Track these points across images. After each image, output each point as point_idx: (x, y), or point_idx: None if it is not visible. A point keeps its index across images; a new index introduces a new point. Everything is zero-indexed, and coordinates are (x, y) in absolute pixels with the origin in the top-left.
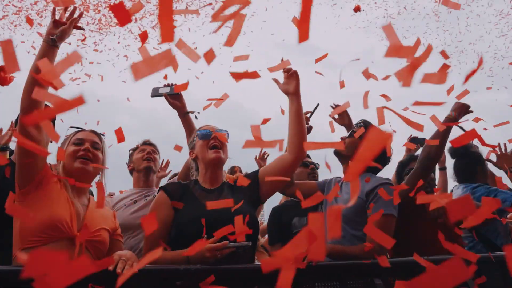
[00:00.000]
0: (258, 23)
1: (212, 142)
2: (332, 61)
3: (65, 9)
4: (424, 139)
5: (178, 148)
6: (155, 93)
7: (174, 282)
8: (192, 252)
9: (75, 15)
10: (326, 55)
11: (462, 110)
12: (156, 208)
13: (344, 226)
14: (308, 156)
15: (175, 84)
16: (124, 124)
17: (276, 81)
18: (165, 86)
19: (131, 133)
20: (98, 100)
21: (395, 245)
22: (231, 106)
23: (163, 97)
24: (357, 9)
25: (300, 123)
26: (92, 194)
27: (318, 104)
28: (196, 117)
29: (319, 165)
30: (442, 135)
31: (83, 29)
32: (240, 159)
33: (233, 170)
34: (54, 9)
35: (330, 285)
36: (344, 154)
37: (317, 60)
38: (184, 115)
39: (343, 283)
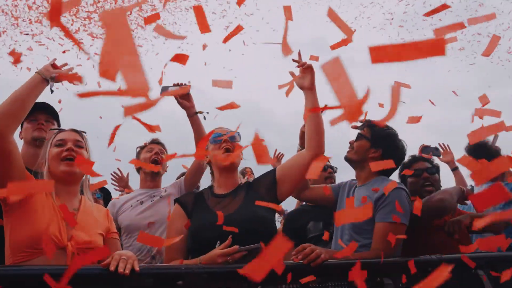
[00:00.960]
0: (264, 20)
1: (224, 145)
2: (347, 58)
3: (65, 64)
4: (436, 148)
5: None
6: (165, 91)
7: (175, 282)
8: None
9: (73, 72)
10: (346, 41)
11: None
12: (172, 220)
13: (354, 236)
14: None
15: (183, 84)
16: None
17: (292, 74)
18: (174, 85)
19: (151, 135)
20: (100, 117)
21: (405, 247)
22: (248, 106)
23: (172, 97)
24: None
25: (317, 117)
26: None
27: (326, 105)
28: (204, 118)
29: (337, 168)
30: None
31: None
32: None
33: (244, 171)
34: (54, 59)
35: (338, 285)
36: (354, 160)
37: (333, 47)
38: (192, 115)
39: (350, 283)
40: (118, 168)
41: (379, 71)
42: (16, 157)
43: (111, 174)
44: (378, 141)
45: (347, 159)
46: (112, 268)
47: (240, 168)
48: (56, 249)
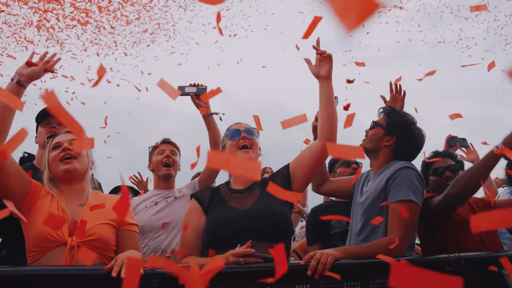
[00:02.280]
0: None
1: (241, 142)
2: (367, 55)
3: (44, 55)
4: (463, 139)
5: None
6: (181, 91)
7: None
8: None
9: (54, 59)
10: (317, 21)
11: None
12: (188, 215)
13: (369, 222)
14: None
15: (199, 84)
16: (169, 129)
17: (308, 61)
18: (191, 85)
19: (176, 138)
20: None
21: (427, 244)
22: (272, 106)
23: (189, 97)
24: (348, 81)
25: (331, 107)
26: (98, 188)
27: (336, 97)
28: (221, 119)
29: (362, 164)
30: (486, 170)
31: (56, 72)
32: (279, 159)
33: (264, 172)
34: (32, 54)
35: (350, 285)
36: (369, 148)
37: (305, 35)
38: (208, 116)
39: (364, 283)
40: (138, 172)
41: (402, 67)
42: (9, 168)
43: (131, 177)
44: (392, 129)
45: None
46: (114, 274)
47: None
48: (57, 244)
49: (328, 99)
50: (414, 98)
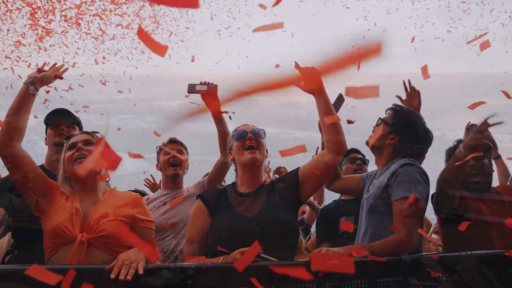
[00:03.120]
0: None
1: (247, 142)
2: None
3: (54, 64)
4: None
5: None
6: (192, 89)
7: (185, 281)
8: None
9: (62, 68)
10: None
11: (471, 149)
12: (193, 216)
13: (372, 220)
14: (358, 152)
15: (209, 82)
16: (187, 130)
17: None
18: (201, 83)
19: (197, 139)
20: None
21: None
22: (286, 104)
23: (199, 94)
24: (349, 122)
25: (331, 117)
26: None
27: (340, 95)
28: (230, 117)
29: (368, 160)
30: (452, 174)
31: (63, 78)
32: (290, 159)
33: (279, 171)
34: (44, 64)
35: (357, 284)
36: (373, 145)
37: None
38: (217, 114)
39: (371, 281)
40: (151, 175)
41: (419, 63)
42: (27, 164)
43: (144, 180)
44: (397, 127)
45: (367, 144)
46: (112, 276)
47: (273, 167)
48: (68, 240)
49: (327, 111)
50: (432, 96)
